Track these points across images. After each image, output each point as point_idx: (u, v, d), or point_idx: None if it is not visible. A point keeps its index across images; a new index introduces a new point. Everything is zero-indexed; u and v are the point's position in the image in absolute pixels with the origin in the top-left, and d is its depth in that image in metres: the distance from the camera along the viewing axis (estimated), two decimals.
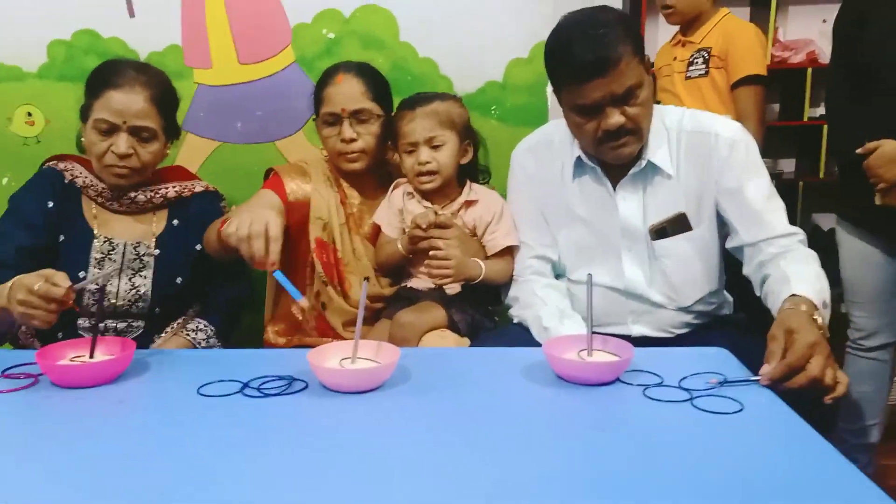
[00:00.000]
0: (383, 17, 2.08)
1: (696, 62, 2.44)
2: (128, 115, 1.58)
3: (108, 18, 2.03)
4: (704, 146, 1.55)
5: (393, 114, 1.77)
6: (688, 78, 2.46)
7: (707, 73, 2.41)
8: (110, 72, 1.62)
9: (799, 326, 1.22)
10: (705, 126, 1.57)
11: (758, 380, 1.20)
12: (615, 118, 1.45)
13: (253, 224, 1.39)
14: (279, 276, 1.37)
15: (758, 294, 1.51)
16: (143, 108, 1.59)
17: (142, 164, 1.63)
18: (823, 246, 3.19)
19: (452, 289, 1.70)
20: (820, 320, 1.28)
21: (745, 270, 1.55)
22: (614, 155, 1.52)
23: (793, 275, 1.38)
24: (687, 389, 1.19)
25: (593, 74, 1.41)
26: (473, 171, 1.79)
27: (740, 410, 1.12)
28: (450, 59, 2.10)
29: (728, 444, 1.03)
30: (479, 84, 2.10)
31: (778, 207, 1.54)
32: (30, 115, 2.07)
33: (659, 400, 1.17)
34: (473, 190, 1.75)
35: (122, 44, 2.03)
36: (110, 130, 1.59)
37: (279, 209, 1.68)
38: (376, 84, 1.77)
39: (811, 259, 1.46)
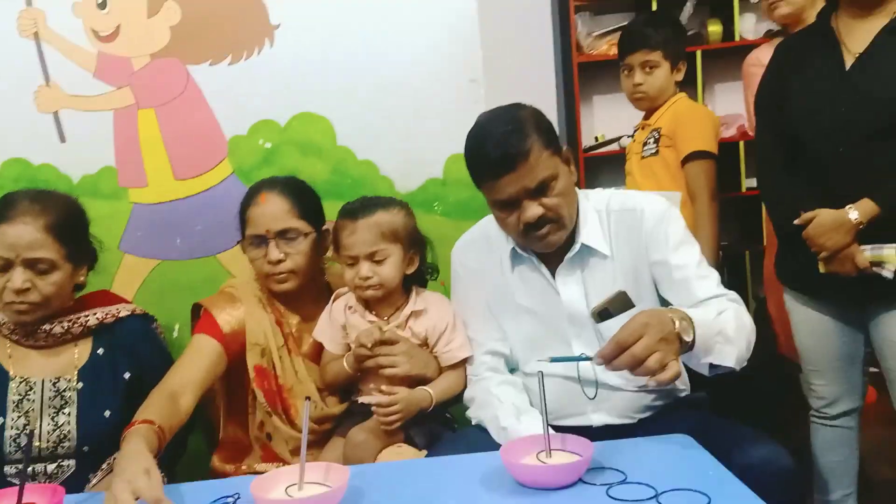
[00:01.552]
0: (319, 123, 2.09)
1: (649, 142, 2.50)
2: (20, 248, 1.50)
3: (37, 145, 2.00)
4: (632, 222, 1.58)
5: (333, 222, 1.71)
6: (643, 158, 2.53)
7: (657, 152, 2.47)
8: (3, 206, 1.55)
9: (640, 314, 1.26)
10: (630, 204, 1.60)
11: (591, 358, 1.26)
12: (532, 210, 1.47)
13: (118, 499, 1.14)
14: None
15: None
16: (35, 239, 1.51)
17: (42, 298, 1.53)
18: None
19: None
20: (680, 325, 1.28)
21: None
22: (541, 245, 1.54)
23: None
24: (651, 486, 1.15)
25: (503, 170, 1.45)
26: (420, 274, 1.76)
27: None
28: (389, 159, 2.10)
29: None
30: (419, 182, 2.10)
31: (707, 274, 1.54)
32: None
33: (623, 500, 1.12)
34: (421, 297, 1.71)
35: (53, 170, 2.00)
36: (6, 266, 1.51)
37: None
38: (303, 199, 1.72)
39: (724, 307, 1.45)
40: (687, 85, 3.79)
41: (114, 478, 1.20)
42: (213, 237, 2.06)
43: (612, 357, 1.23)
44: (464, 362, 1.68)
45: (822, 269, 1.85)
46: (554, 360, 1.35)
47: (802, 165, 1.90)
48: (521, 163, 1.44)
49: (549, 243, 1.53)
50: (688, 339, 1.28)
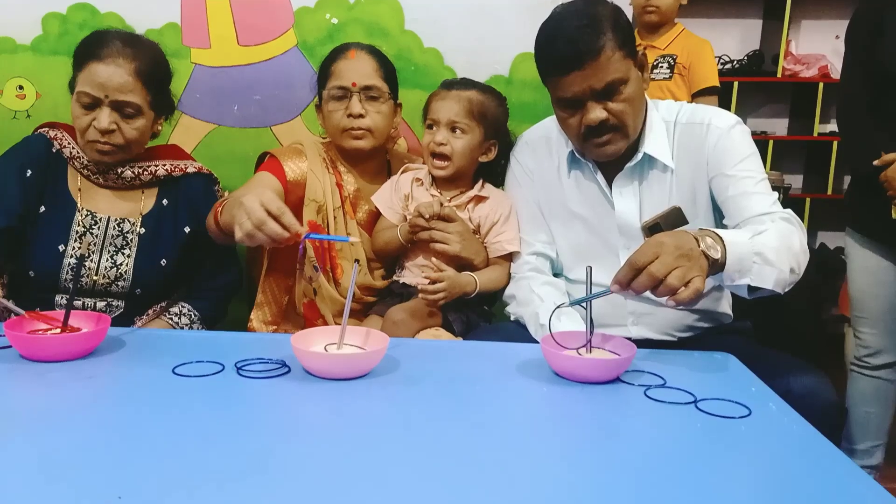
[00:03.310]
0: (389, 4, 2.02)
1: (661, 66, 2.65)
2: (110, 89, 1.51)
3: None
4: (696, 136, 1.51)
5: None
6: (651, 80, 2.52)
7: (671, 77, 2.63)
8: (95, 43, 1.55)
9: (656, 235, 1.22)
10: (698, 117, 1.53)
11: (607, 291, 1.21)
12: (595, 113, 1.42)
13: (251, 215, 1.26)
14: (314, 237, 1.35)
15: None
16: (126, 82, 1.52)
17: (126, 141, 1.55)
18: (832, 265, 3.14)
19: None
20: (705, 243, 1.21)
21: None
22: (598, 153, 1.49)
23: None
24: (690, 392, 1.13)
25: (570, 67, 1.39)
26: (494, 173, 1.74)
27: (748, 415, 1.06)
28: (455, 50, 2.03)
29: (735, 449, 0.97)
30: (484, 78, 2.02)
31: (763, 191, 1.46)
32: (21, 88, 2.00)
33: (662, 401, 1.10)
34: (485, 188, 1.70)
35: (118, 19, 1.96)
36: (93, 105, 1.52)
37: (272, 188, 1.61)
38: (386, 66, 1.73)
39: (765, 227, 1.34)
40: (773, 19, 3.63)
41: (239, 198, 1.30)
42: (270, 108, 2.03)
43: (628, 280, 1.18)
44: (509, 257, 1.66)
45: (894, 214, 1.78)
46: (573, 302, 1.34)
47: (889, 105, 1.81)
48: (590, 61, 1.37)
49: (606, 152, 1.47)
50: (716, 256, 1.22)
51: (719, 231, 1.27)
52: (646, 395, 1.13)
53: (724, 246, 1.24)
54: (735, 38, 3.70)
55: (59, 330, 1.22)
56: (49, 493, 0.79)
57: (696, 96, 2.62)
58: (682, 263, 1.16)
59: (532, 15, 2.01)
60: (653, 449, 0.97)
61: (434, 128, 1.65)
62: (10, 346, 1.18)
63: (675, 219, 1.49)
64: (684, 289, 1.15)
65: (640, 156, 1.51)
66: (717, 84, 2.66)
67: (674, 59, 2.65)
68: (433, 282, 1.53)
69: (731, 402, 1.09)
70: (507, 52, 2.04)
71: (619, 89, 1.41)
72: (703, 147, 1.50)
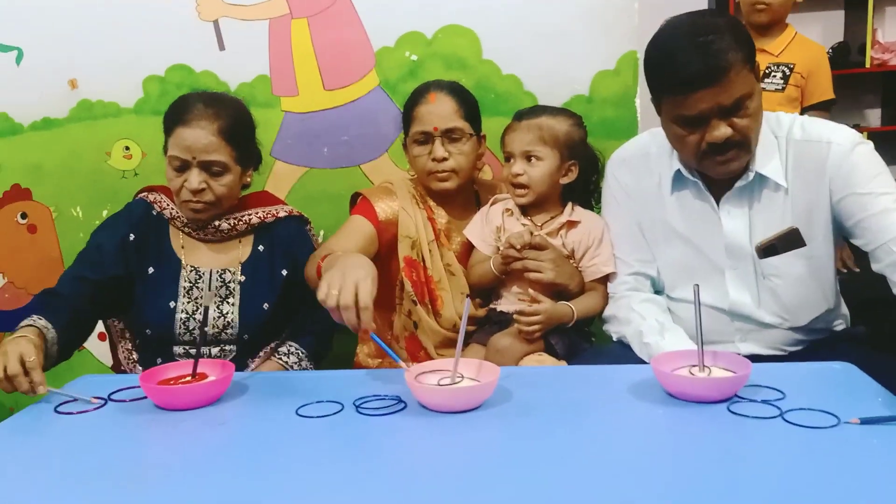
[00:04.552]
0: (466, 36, 2.06)
1: (774, 76, 2.37)
2: (196, 151, 1.58)
3: (199, 53, 2.08)
4: (816, 155, 1.44)
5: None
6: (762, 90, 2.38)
7: (784, 88, 2.35)
8: (180, 109, 1.63)
9: None
10: (816, 135, 1.46)
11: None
12: (721, 130, 1.37)
13: (342, 294, 1.23)
14: (375, 339, 1.30)
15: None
16: (210, 143, 1.59)
17: (216, 198, 1.62)
18: None
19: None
20: None
21: (875, 267, 1.42)
22: (720, 170, 1.44)
23: None
24: (829, 411, 1.09)
25: (700, 85, 1.33)
26: (583, 192, 1.75)
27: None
28: (534, 74, 2.05)
29: (882, 467, 0.93)
30: (564, 98, 2.04)
31: None
32: (127, 149, 2.13)
33: (800, 425, 1.06)
34: (576, 211, 1.71)
35: (213, 76, 2.08)
36: (182, 167, 1.60)
37: (364, 233, 1.68)
38: (467, 103, 1.75)
39: None
40: (855, 8, 3.51)
41: (343, 269, 1.27)
42: (358, 148, 2.10)
43: None
44: (605, 279, 1.66)
45: None
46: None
47: None
48: (720, 78, 1.32)
49: (729, 169, 1.43)
50: None
51: None
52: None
53: None
54: (817, 31, 3.59)
55: (189, 379, 1.30)
56: None
57: (809, 110, 2.36)
58: None
59: (607, 32, 2.03)
60: (787, 471, 0.95)
61: (511, 160, 1.68)
62: (144, 397, 1.26)
63: (792, 240, 1.44)
64: None
65: (751, 175, 1.46)
66: (834, 96, 2.42)
67: (790, 69, 2.38)
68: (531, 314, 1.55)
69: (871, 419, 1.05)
70: (586, 72, 2.05)
71: (745, 104, 1.36)
72: (824, 167, 1.43)
